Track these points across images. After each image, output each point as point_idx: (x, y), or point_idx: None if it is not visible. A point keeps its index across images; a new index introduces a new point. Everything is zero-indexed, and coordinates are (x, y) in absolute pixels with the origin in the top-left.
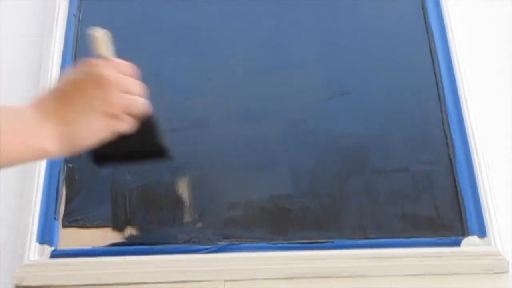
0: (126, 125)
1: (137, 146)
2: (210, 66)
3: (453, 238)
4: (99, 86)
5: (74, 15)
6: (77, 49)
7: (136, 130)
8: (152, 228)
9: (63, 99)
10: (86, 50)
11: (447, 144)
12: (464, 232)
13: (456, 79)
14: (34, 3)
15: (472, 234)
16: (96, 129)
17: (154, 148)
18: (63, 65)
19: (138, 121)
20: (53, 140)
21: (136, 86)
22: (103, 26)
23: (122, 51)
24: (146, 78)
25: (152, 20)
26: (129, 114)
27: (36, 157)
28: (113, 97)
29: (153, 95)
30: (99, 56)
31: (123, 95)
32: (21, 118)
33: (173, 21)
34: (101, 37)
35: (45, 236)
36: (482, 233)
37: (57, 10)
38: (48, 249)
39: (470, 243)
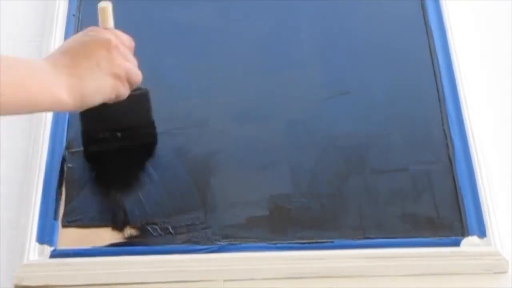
0: (126, 90)
1: (130, 121)
2: (210, 66)
3: (453, 238)
4: (105, 48)
5: (73, 15)
6: None
7: (131, 103)
8: (152, 228)
9: (72, 56)
10: None
11: (446, 144)
12: (463, 232)
13: (456, 79)
14: (34, 3)
15: (472, 234)
16: (103, 86)
17: (147, 125)
18: None
19: (134, 93)
20: (66, 90)
21: (133, 57)
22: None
23: None
24: (146, 78)
25: (151, 19)
26: (129, 82)
27: (50, 105)
28: (117, 58)
29: (153, 95)
30: (105, 27)
31: (125, 61)
32: (37, 65)
33: (173, 20)
34: (106, 8)
35: (45, 236)
36: (481, 233)
37: (57, 10)
38: (48, 249)
39: (469, 243)
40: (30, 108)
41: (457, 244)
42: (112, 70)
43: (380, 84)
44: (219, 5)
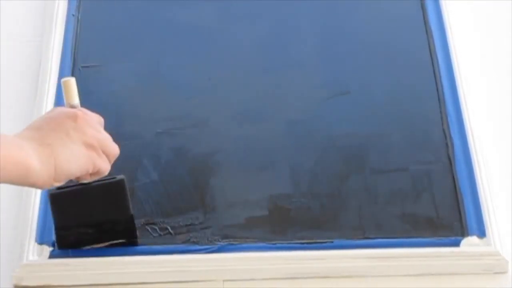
0: (105, 163)
1: (106, 214)
2: (210, 66)
3: (453, 238)
4: (71, 119)
5: (73, 15)
6: (76, 48)
7: (105, 193)
8: (152, 228)
9: (39, 131)
10: (85, 50)
11: (446, 144)
12: (463, 232)
13: (456, 79)
14: (34, 3)
15: (472, 234)
16: (76, 155)
17: (125, 220)
18: (62, 65)
19: (107, 182)
20: (35, 156)
21: (105, 131)
22: (102, 26)
23: (121, 51)
24: (146, 78)
25: (151, 19)
26: (106, 154)
27: (21, 174)
28: (86, 128)
29: (153, 95)
30: (70, 105)
31: (97, 131)
32: (2, 135)
33: (172, 20)
34: (69, 81)
35: (44, 236)
36: (481, 233)
37: (56, 10)
38: (47, 249)
39: (469, 243)
40: None
41: (457, 244)
42: (83, 140)
43: (380, 84)
44: (219, 5)
